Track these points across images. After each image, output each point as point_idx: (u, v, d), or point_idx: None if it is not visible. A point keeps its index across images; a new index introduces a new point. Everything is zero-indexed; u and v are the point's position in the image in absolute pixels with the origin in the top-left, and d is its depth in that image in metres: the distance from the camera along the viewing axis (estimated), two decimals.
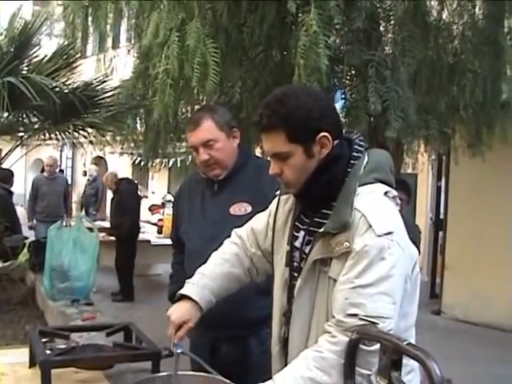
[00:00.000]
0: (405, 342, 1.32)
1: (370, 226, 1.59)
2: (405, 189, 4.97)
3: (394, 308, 1.57)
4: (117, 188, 8.97)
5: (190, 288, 2.01)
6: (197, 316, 1.98)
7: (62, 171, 12.66)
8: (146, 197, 14.90)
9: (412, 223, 5.36)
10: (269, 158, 1.78)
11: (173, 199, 3.27)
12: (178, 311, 1.97)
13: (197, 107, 5.26)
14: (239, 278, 2.08)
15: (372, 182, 1.70)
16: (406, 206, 4.99)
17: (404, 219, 1.71)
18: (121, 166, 17.09)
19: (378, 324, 1.52)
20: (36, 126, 6.94)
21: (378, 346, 1.44)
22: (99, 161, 19.15)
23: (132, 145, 7.40)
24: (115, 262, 8.78)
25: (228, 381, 1.75)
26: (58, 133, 6.88)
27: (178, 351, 1.92)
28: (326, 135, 1.69)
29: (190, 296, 1.98)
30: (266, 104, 1.73)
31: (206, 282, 2.02)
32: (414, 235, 4.76)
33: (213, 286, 2.02)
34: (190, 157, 6.46)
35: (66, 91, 6.35)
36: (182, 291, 2.02)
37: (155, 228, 10.81)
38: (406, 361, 1.37)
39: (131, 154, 9.23)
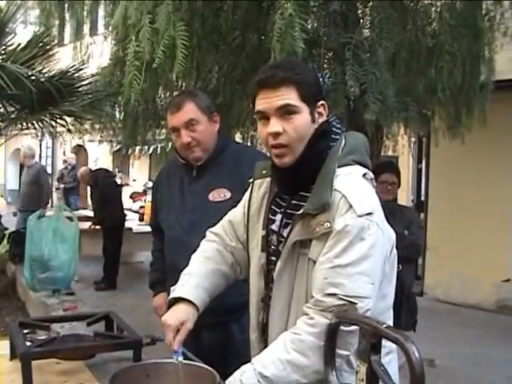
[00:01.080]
0: (384, 325, 1.32)
1: (351, 206, 1.59)
2: (395, 172, 4.84)
3: (372, 288, 1.57)
4: (95, 182, 8.88)
5: (180, 290, 1.87)
6: (194, 316, 1.83)
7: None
8: (128, 184, 14.81)
9: (413, 214, 5.10)
10: (259, 130, 1.74)
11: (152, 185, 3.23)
12: (173, 315, 1.81)
13: (175, 93, 5.21)
14: (226, 274, 2.00)
15: (350, 164, 1.70)
16: (397, 189, 4.86)
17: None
18: (101, 154, 16.98)
19: (356, 304, 1.52)
20: (13, 116, 6.85)
21: (356, 326, 1.44)
22: (79, 149, 19.04)
23: (111, 132, 7.32)
24: (103, 250, 8.73)
25: (210, 368, 1.73)
26: (35, 122, 6.80)
27: (180, 359, 1.74)
28: (324, 104, 1.74)
29: (184, 297, 1.84)
30: (280, 64, 1.76)
31: (196, 280, 1.90)
32: (417, 224, 4.74)
33: (204, 285, 1.91)
34: (170, 143, 6.40)
35: (42, 80, 6.26)
36: (172, 295, 1.88)
37: (137, 215, 10.76)
38: (383, 342, 1.37)
39: (111, 141, 9.15)
